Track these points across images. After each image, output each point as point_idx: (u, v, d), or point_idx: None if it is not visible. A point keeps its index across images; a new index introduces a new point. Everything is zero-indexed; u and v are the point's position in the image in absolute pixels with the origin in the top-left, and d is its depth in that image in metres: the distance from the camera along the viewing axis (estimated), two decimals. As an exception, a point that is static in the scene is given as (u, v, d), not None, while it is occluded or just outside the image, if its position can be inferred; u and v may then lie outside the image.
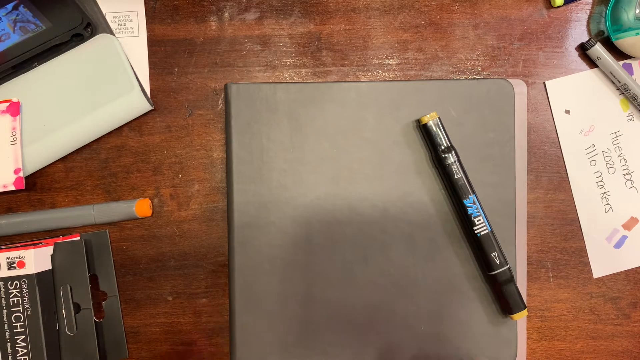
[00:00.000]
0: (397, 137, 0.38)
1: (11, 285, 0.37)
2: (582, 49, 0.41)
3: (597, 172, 0.41)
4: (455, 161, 0.37)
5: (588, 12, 0.41)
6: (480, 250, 0.37)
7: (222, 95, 0.41)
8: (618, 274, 0.41)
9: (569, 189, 0.41)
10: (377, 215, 0.38)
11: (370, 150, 0.38)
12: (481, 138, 0.39)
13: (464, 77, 0.41)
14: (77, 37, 0.39)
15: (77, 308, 0.39)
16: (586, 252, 0.41)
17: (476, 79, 0.40)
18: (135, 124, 0.41)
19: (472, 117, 0.39)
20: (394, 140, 0.38)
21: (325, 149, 0.38)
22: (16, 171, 0.39)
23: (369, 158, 0.38)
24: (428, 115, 0.37)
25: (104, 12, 0.41)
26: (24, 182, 0.39)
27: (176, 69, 0.41)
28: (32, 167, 0.39)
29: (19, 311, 0.37)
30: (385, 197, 0.38)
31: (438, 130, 0.37)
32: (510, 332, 0.39)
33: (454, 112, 0.38)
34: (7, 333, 0.37)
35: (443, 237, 0.38)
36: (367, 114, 0.38)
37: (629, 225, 0.41)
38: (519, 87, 0.39)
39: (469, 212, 0.37)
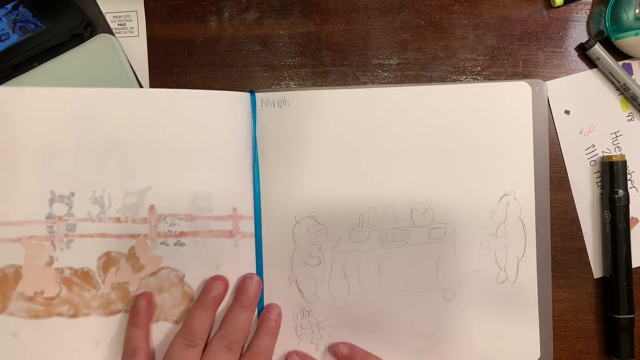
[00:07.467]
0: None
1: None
2: (582, 49, 0.41)
3: (597, 172, 0.41)
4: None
5: (588, 12, 0.41)
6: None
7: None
8: (618, 274, 0.41)
9: (568, 189, 0.41)
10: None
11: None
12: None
13: (464, 77, 0.41)
14: (77, 37, 0.39)
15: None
16: (586, 252, 0.41)
17: (491, 81, 0.40)
18: (135, 124, 0.41)
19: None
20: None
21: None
22: (16, 171, 0.38)
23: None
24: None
25: (103, 12, 0.41)
26: (23, 182, 0.39)
27: (176, 69, 0.41)
28: (32, 167, 0.39)
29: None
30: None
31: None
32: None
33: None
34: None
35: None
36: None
37: (628, 225, 0.41)
38: (539, 86, 0.39)
39: None
